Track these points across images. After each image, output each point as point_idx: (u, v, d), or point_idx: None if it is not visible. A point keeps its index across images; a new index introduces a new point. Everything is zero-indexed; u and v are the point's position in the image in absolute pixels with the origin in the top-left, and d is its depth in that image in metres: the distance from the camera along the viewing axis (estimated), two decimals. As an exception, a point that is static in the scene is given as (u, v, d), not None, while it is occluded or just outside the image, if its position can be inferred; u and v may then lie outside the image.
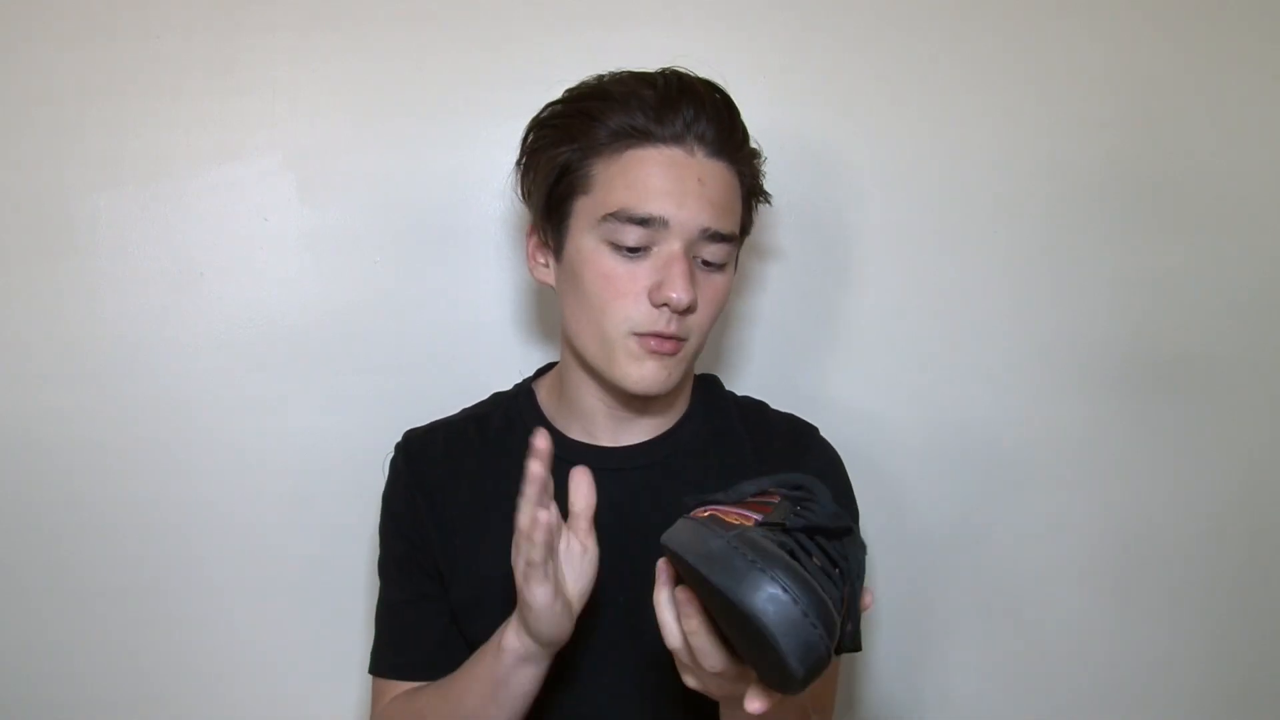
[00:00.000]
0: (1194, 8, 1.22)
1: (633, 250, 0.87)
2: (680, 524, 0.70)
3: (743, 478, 0.90)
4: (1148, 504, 1.27)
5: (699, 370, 1.04)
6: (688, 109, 0.87)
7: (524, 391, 1.03)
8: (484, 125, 1.17)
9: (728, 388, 1.07)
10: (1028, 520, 1.26)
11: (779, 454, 0.99)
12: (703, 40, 1.17)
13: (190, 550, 1.19)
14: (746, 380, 1.22)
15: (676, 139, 0.87)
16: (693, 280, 0.87)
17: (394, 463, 1.01)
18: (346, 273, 1.18)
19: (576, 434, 0.98)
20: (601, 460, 0.96)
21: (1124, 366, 1.25)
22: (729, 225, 0.89)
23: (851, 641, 0.98)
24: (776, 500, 0.71)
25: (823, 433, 1.03)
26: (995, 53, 1.21)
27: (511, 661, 0.84)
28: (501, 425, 1.01)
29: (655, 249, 0.87)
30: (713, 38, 1.18)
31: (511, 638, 0.83)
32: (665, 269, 0.87)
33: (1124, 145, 1.23)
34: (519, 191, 0.97)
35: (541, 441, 0.77)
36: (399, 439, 1.02)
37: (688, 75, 0.90)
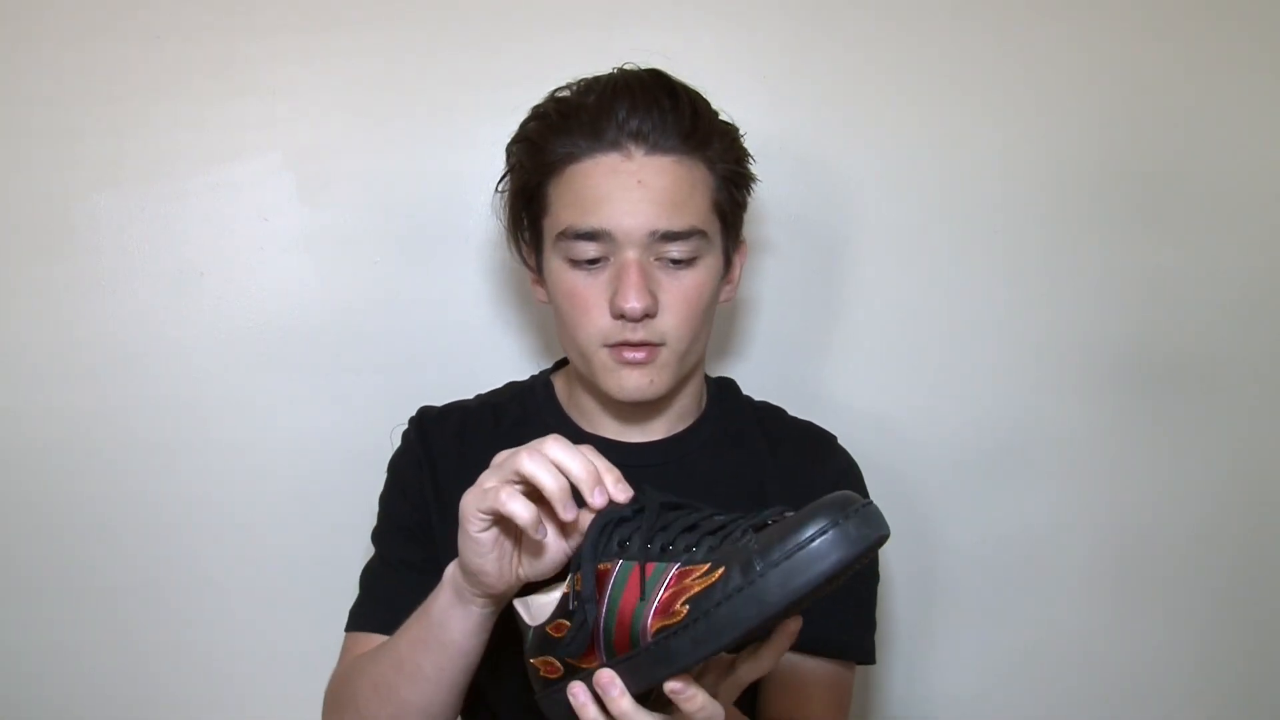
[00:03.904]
0: (1192, 8, 1.22)
1: (591, 263, 0.87)
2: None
3: (757, 481, 0.87)
4: (1147, 503, 1.27)
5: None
6: (620, 110, 0.85)
7: (542, 383, 1.02)
8: (483, 125, 1.16)
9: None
10: (1026, 520, 1.26)
11: (795, 460, 0.98)
12: (703, 41, 1.17)
13: (189, 549, 1.19)
14: (748, 382, 1.22)
15: (613, 144, 0.86)
16: (650, 285, 0.86)
17: (406, 434, 1.00)
18: (346, 273, 1.18)
19: (591, 429, 0.98)
20: (617, 456, 0.95)
21: (1122, 366, 1.25)
22: (683, 221, 0.86)
23: (868, 654, 0.97)
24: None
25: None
26: (994, 54, 1.21)
27: (447, 599, 0.78)
28: (518, 417, 1.00)
29: (611, 259, 0.87)
30: (713, 38, 1.18)
31: (450, 566, 0.78)
32: (618, 279, 0.86)
33: (1122, 145, 1.23)
34: (501, 218, 0.98)
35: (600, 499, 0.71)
36: (413, 414, 1.01)
37: (628, 72, 0.89)
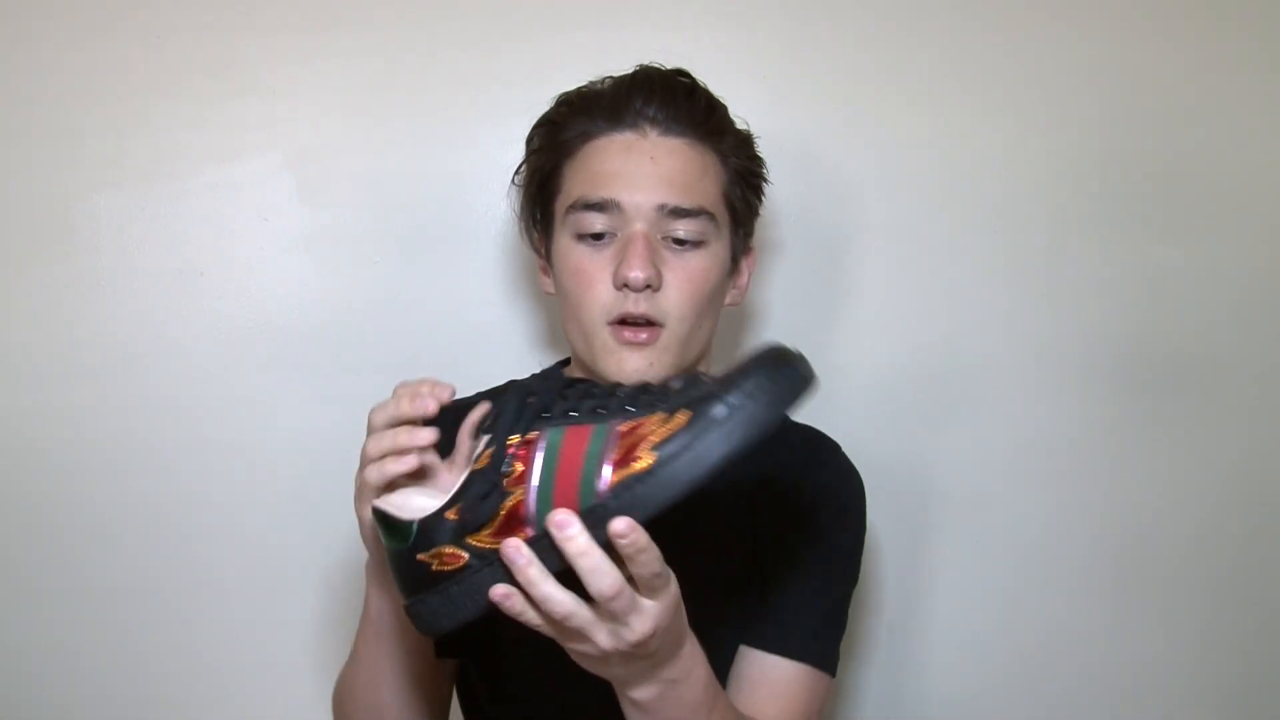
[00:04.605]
0: (1192, 8, 1.22)
1: (597, 237, 0.88)
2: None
3: (752, 481, 0.85)
4: (1147, 503, 1.27)
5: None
6: (638, 96, 0.88)
7: None
8: (484, 125, 1.17)
9: None
10: (1025, 520, 1.26)
11: (792, 462, 0.97)
12: (703, 41, 1.17)
13: (189, 549, 1.19)
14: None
15: (630, 125, 0.89)
16: (655, 259, 0.87)
17: None
18: (346, 273, 1.18)
19: None
20: None
21: (1122, 366, 1.25)
22: (692, 200, 0.88)
23: (826, 661, 0.93)
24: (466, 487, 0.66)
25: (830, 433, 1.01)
26: (994, 54, 1.21)
27: (375, 592, 0.83)
28: None
29: (619, 234, 0.88)
30: (714, 38, 1.18)
31: (367, 564, 0.84)
32: (624, 250, 0.87)
33: (1122, 145, 1.22)
34: (517, 211, 0.98)
35: (445, 393, 0.72)
36: None
37: (650, 67, 0.92)
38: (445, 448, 0.96)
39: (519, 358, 1.20)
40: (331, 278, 1.18)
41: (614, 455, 0.63)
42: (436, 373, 1.17)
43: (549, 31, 1.17)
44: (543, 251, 0.96)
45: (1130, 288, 1.24)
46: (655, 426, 0.63)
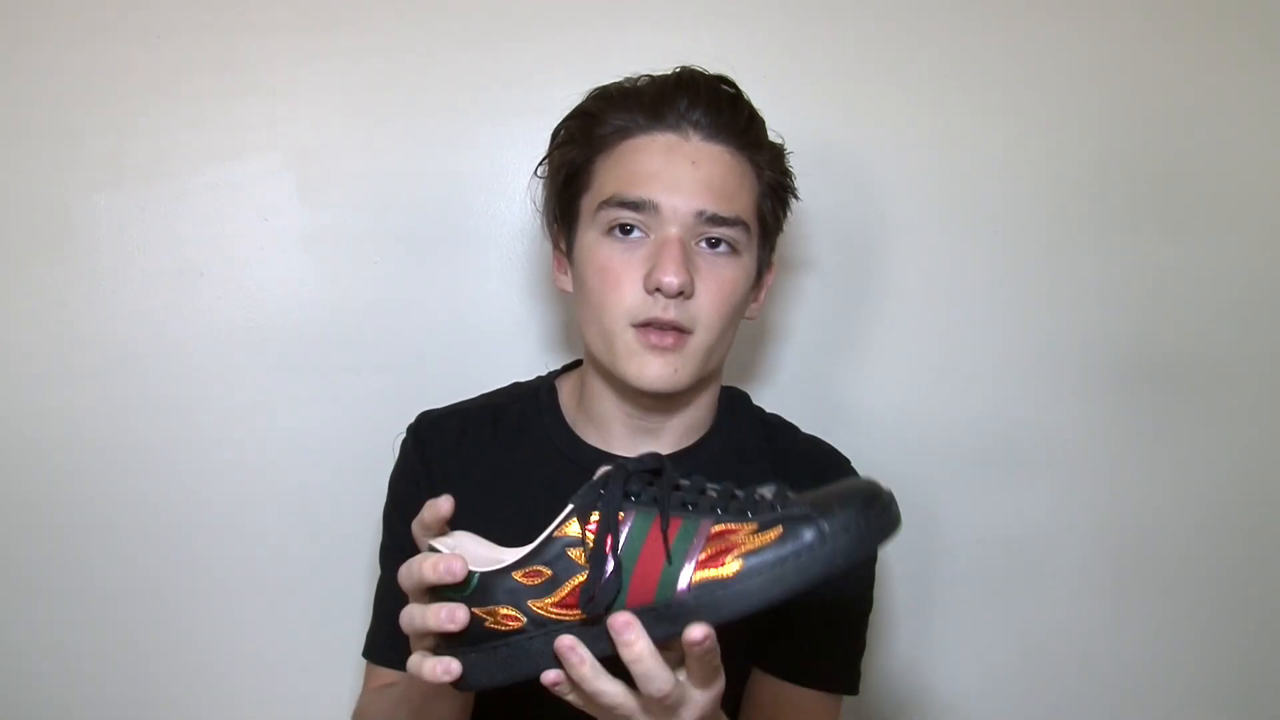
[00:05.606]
0: (1192, 8, 1.22)
1: (626, 233, 0.86)
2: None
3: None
4: (1147, 503, 1.27)
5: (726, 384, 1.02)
6: (682, 99, 0.87)
7: (546, 387, 1.00)
8: (484, 125, 1.17)
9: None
10: (1026, 520, 1.26)
11: (800, 481, 0.95)
12: (705, 41, 1.17)
13: (190, 550, 1.19)
14: (751, 383, 1.22)
15: (671, 127, 0.87)
16: (689, 265, 0.85)
17: (404, 444, 0.99)
18: (346, 273, 1.18)
19: (593, 440, 0.95)
20: None
21: (1122, 366, 1.25)
22: (729, 208, 0.86)
23: (852, 686, 0.96)
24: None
25: (837, 436, 1.01)
26: (995, 54, 1.21)
27: (426, 690, 0.80)
28: (516, 421, 0.99)
29: (652, 236, 0.86)
30: (715, 38, 1.18)
31: None
32: (658, 254, 0.85)
33: (1122, 145, 1.23)
34: (538, 204, 0.97)
35: (445, 505, 0.73)
36: (412, 420, 1.00)
37: (693, 69, 0.90)
38: (447, 464, 0.96)
39: (520, 358, 1.20)
40: (331, 278, 1.18)
41: (701, 555, 0.64)
42: (437, 373, 1.18)
43: (549, 31, 1.17)
44: (562, 247, 0.94)
45: (1130, 288, 1.24)
46: (747, 536, 0.64)
